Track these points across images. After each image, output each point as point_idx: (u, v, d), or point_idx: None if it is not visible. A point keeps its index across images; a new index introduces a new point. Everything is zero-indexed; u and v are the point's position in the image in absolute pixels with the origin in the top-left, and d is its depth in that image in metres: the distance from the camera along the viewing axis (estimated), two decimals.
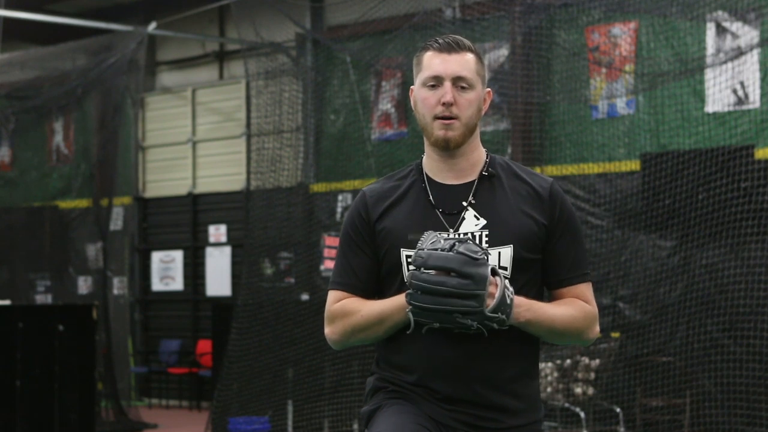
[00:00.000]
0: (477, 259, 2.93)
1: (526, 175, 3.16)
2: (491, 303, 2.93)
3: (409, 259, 3.07)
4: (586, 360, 10.85)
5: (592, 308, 3.16)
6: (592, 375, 10.91)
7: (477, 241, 3.06)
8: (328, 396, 10.84)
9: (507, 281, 3.00)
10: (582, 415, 10.71)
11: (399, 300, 3.05)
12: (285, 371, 11.12)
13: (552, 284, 3.17)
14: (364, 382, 10.87)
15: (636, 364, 10.76)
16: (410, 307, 2.97)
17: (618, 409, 10.80)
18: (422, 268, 2.94)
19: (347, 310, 3.15)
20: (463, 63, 3.10)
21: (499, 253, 3.06)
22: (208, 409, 12.73)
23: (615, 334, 10.98)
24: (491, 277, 2.94)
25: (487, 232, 3.07)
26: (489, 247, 3.06)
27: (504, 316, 2.95)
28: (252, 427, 10.43)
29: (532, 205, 3.11)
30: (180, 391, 15.48)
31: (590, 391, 10.86)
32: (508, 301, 2.96)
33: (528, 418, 3.17)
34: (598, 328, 3.18)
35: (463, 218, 3.10)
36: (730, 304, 10.38)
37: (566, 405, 10.77)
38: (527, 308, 3.03)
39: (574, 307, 3.13)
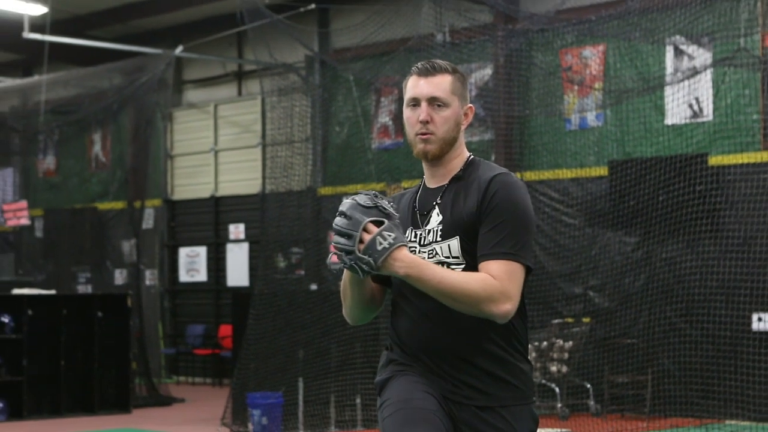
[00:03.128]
0: (365, 206, 2.98)
1: (483, 171, 3.13)
2: (362, 246, 2.95)
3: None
4: (560, 342, 10.95)
5: (498, 283, 2.96)
6: (566, 355, 10.97)
7: (433, 235, 3.12)
8: (334, 374, 10.83)
9: (389, 232, 2.97)
10: (557, 390, 10.95)
11: None
12: (296, 352, 11.09)
13: (478, 262, 3.06)
14: (366, 362, 10.53)
15: (604, 345, 10.98)
16: None
17: (588, 385, 11.06)
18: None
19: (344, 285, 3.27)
20: (438, 84, 3.11)
21: (449, 245, 3.08)
22: (229, 386, 12.73)
23: (586, 320, 11.14)
24: (371, 225, 2.95)
25: (441, 227, 3.11)
26: (442, 240, 3.10)
27: (371, 260, 2.93)
28: (267, 401, 10.27)
29: (476, 197, 3.08)
30: (204, 369, 15.79)
31: (564, 369, 10.95)
32: (379, 248, 2.93)
33: (510, 400, 3.11)
34: (507, 306, 2.97)
35: (430, 216, 3.15)
36: (686, 292, 10.63)
37: (543, 382, 10.92)
38: (410, 265, 2.96)
39: (475, 277, 2.98)
